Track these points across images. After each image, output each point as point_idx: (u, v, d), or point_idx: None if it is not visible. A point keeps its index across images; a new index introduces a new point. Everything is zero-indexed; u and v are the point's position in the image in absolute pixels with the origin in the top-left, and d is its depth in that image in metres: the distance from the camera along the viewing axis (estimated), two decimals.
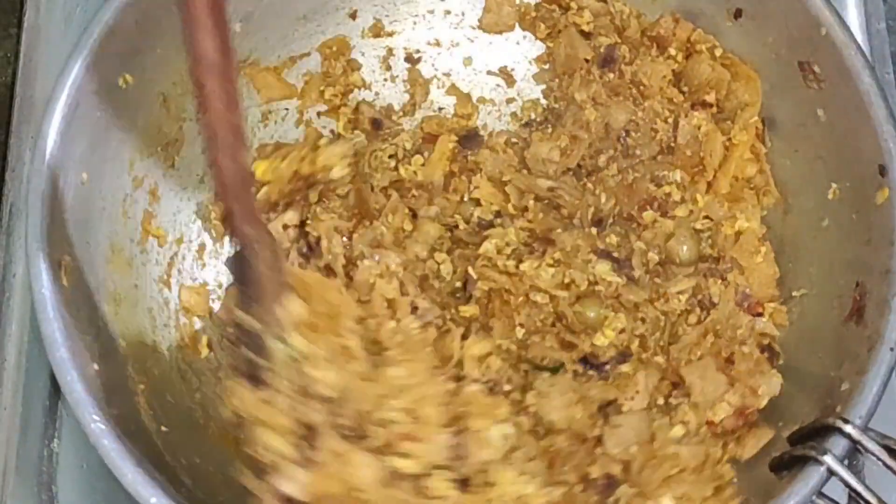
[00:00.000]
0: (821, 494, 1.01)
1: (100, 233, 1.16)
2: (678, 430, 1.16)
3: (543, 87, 1.39)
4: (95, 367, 1.06)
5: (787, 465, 1.05)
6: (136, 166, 1.21)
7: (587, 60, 1.34)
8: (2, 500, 1.21)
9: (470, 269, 1.24)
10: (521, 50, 1.41)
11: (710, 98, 1.30)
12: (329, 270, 1.25)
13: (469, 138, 1.35)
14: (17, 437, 1.23)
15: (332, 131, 1.37)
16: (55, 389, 1.25)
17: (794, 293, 1.22)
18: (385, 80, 1.41)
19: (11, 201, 1.34)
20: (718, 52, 1.30)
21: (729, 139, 1.29)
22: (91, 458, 1.20)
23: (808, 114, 1.20)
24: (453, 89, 1.40)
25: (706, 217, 1.27)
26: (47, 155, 1.09)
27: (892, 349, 1.04)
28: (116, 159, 1.19)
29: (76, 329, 1.06)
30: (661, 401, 1.19)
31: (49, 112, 1.10)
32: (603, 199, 1.29)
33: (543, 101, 1.38)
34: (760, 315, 1.22)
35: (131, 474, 0.99)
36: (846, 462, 1.01)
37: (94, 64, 1.12)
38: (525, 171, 1.31)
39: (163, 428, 1.12)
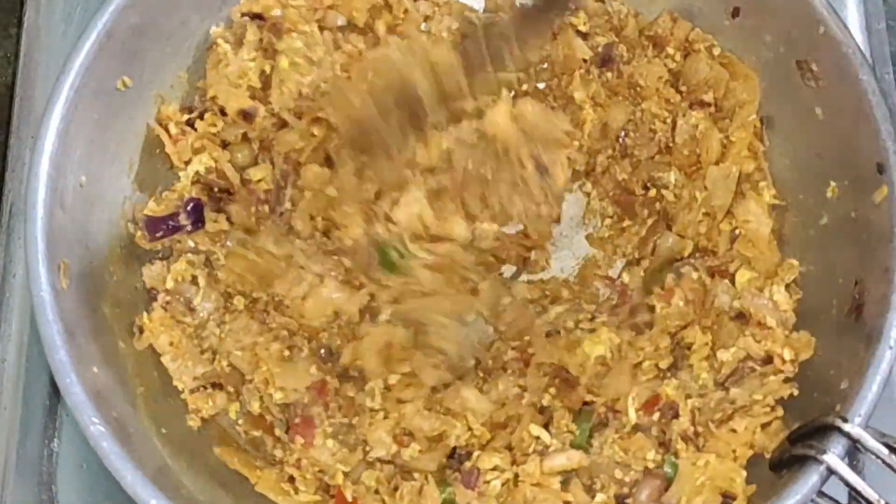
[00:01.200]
0: (821, 493, 1.02)
1: (99, 235, 1.16)
2: None
3: (542, 86, 1.39)
4: (95, 369, 1.06)
5: (787, 463, 1.05)
6: (135, 167, 1.21)
7: (585, 61, 1.33)
8: (2, 500, 1.22)
9: None
10: None
11: (708, 97, 1.30)
12: None
13: None
14: (17, 437, 1.24)
15: None
16: (55, 389, 1.25)
17: None
18: None
19: (11, 201, 1.34)
20: (717, 52, 1.30)
21: (727, 137, 1.29)
22: (91, 458, 1.18)
23: (806, 112, 1.20)
24: None
25: (706, 213, 1.28)
26: (45, 158, 1.09)
27: (891, 347, 1.04)
28: (115, 162, 1.19)
29: (75, 331, 1.06)
30: None
31: (47, 115, 1.10)
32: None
33: None
34: None
35: (131, 476, 1.00)
36: (846, 461, 1.01)
37: (92, 67, 1.13)
38: None
39: (163, 430, 1.12)
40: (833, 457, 1.00)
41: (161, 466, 1.07)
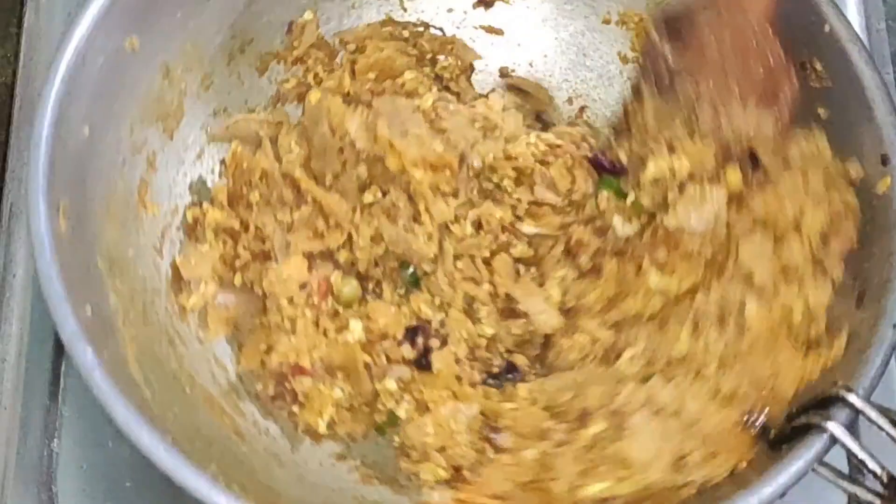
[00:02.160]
0: (822, 463, 1.00)
1: (96, 190, 1.14)
2: None
3: None
4: (88, 310, 1.04)
5: (788, 438, 1.04)
6: (135, 132, 1.20)
7: None
8: (2, 500, 1.20)
9: None
10: (522, 51, 1.43)
11: None
12: None
13: None
14: (17, 437, 1.23)
15: None
16: (55, 389, 1.25)
17: None
18: None
19: (11, 201, 1.34)
20: None
21: None
22: (91, 458, 1.21)
23: (808, 111, 1.20)
24: None
25: None
26: (52, 99, 1.08)
27: (894, 326, 1.04)
28: (117, 121, 1.18)
29: (72, 276, 1.04)
30: None
31: (56, 60, 1.09)
32: None
33: None
34: None
35: (123, 411, 0.98)
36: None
37: (104, 20, 1.12)
38: None
39: (151, 382, 1.10)
40: (837, 425, 0.99)
41: (149, 414, 1.04)
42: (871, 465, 0.98)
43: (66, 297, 1.01)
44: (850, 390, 1.00)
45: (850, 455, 0.99)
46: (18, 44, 1.44)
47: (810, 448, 0.99)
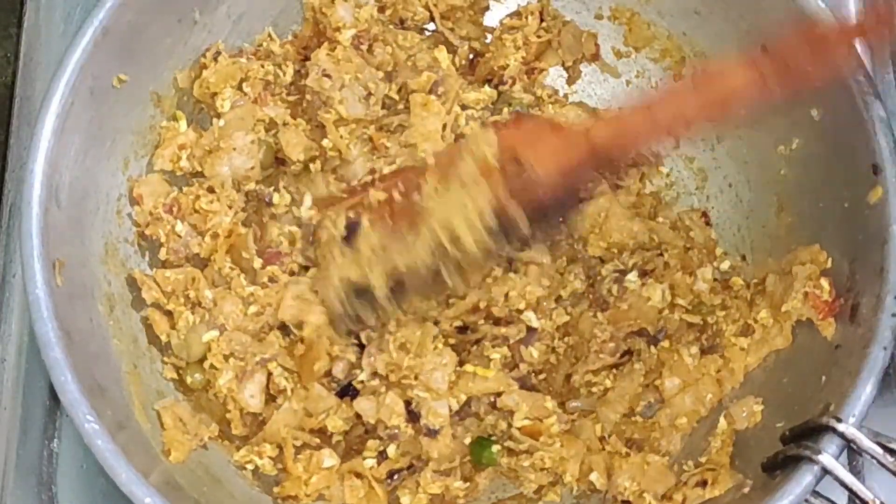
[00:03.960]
0: (816, 493, 1.01)
1: (94, 232, 1.16)
2: None
3: None
4: (90, 367, 1.06)
5: (781, 464, 1.05)
6: (130, 166, 1.22)
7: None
8: (2, 500, 1.21)
9: None
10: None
11: None
12: None
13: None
14: (17, 437, 1.24)
15: None
16: (55, 390, 1.24)
17: None
18: None
19: (11, 201, 1.34)
20: None
21: None
22: (91, 458, 1.16)
23: (802, 113, 1.20)
24: None
25: None
26: (41, 155, 1.09)
27: (885, 348, 1.04)
28: (111, 159, 1.19)
29: (70, 329, 1.06)
30: None
31: (43, 112, 1.10)
32: None
33: None
34: None
35: (125, 474, 1.00)
36: (843, 461, 1.01)
37: (89, 64, 1.13)
38: None
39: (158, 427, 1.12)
40: (828, 457, 1.00)
41: (156, 464, 1.07)
42: (863, 494, 0.98)
43: (66, 360, 1.03)
44: (839, 420, 1.00)
45: (843, 485, 1.00)
46: (18, 44, 1.44)
47: (801, 482, 1.00)
